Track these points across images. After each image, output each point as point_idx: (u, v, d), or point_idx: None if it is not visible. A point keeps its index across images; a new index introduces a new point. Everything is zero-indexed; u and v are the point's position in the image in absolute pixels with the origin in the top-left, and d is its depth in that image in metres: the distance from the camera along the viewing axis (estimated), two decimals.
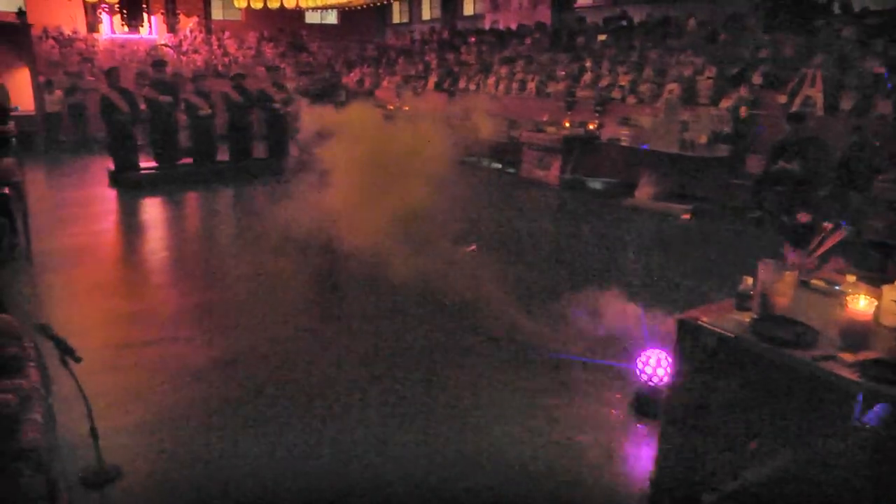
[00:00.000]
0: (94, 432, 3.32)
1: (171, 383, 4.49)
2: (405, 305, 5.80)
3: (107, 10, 18.69)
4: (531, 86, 13.87)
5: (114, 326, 5.55)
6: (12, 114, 14.18)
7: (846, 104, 8.88)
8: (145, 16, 18.23)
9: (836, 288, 3.12)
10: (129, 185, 11.08)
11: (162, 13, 19.27)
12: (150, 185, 11.09)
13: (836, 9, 11.57)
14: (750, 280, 2.98)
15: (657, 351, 4.12)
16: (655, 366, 4.07)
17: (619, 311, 5.17)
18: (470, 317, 5.49)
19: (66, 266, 7.11)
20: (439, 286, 5.99)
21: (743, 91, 9.78)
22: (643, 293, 5.79)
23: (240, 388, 4.44)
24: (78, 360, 3.21)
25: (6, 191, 6.92)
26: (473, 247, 7.35)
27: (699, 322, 2.85)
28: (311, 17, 23.69)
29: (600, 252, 7.51)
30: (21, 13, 17.07)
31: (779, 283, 2.85)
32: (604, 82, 12.44)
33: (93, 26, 19.07)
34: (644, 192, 9.94)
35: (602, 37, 14.86)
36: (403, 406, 4.18)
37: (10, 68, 16.60)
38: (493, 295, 5.82)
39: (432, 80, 16.78)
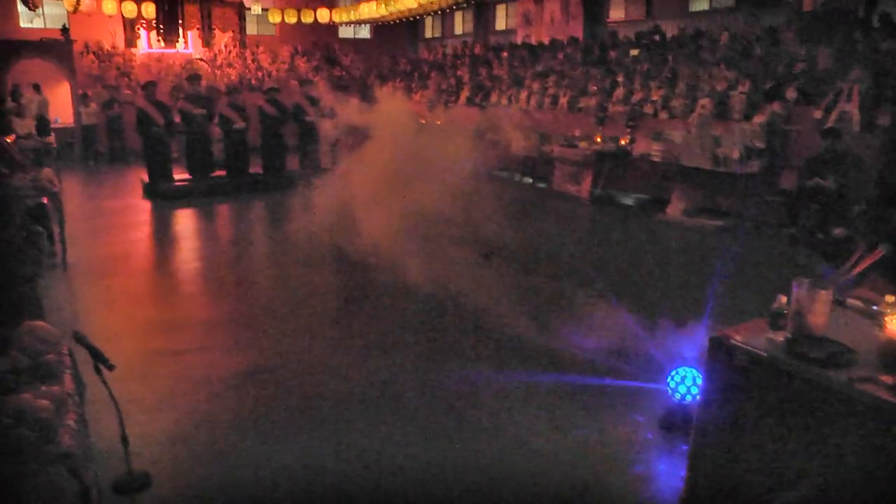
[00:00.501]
0: (124, 440, 3.36)
1: (201, 392, 4.54)
2: (433, 322, 5.79)
3: (145, 25, 19.20)
4: (563, 100, 13.87)
5: (146, 335, 5.62)
6: (53, 126, 14.60)
7: (883, 120, 8.73)
8: (181, 31, 18.67)
9: (874, 308, 3.06)
10: (163, 196, 11.26)
11: (197, 28, 19.67)
12: (184, 197, 11.25)
13: (875, 22, 11.40)
14: (784, 298, 2.93)
15: (688, 369, 4.07)
16: (686, 384, 4.02)
17: (650, 327, 5.12)
18: (497, 332, 5.47)
19: (101, 275, 7.24)
20: (468, 301, 5.98)
21: (777, 106, 9.66)
22: (674, 310, 5.72)
23: (270, 396, 4.47)
24: (111, 367, 3.26)
25: (44, 200, 7.09)
26: (492, 258, 7.32)
27: (732, 340, 2.81)
28: (345, 32, 23.92)
29: (631, 268, 7.45)
30: (65, 30, 17.70)
31: (814, 301, 2.80)
32: (636, 97, 12.39)
33: (131, 41, 19.55)
34: (676, 208, 9.86)
35: (634, 51, 14.84)
36: (428, 421, 4.16)
37: (52, 82, 17.07)
38: (522, 309, 5.80)
39: (464, 94, 16.86)
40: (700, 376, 3.87)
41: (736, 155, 9.29)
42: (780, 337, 2.79)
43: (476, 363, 4.96)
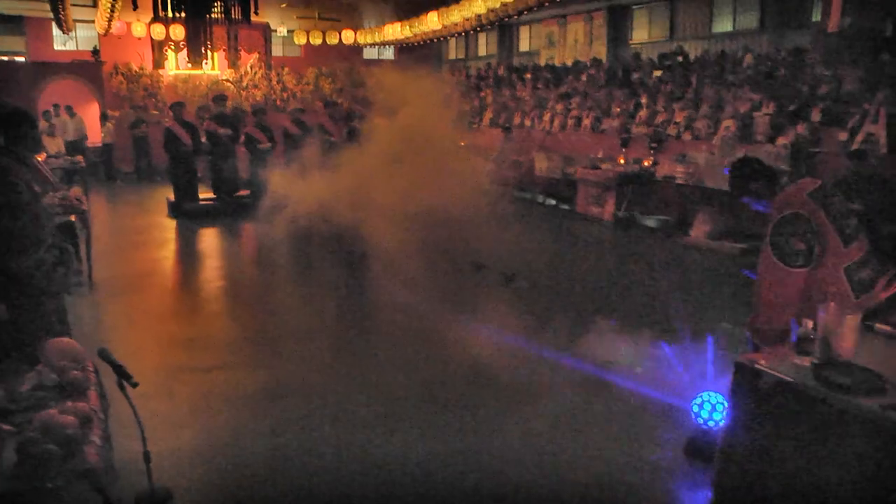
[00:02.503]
0: (146, 456, 3.38)
1: (223, 409, 4.56)
2: (459, 348, 5.76)
3: (172, 47, 19.57)
4: (586, 122, 13.87)
5: (169, 352, 5.67)
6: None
7: None
8: (208, 52, 18.95)
9: None
10: (188, 215, 11.40)
11: (224, 50, 19.92)
12: (208, 216, 11.38)
13: None
14: (811, 323, 2.90)
15: (713, 394, 4.02)
16: (711, 409, 3.97)
17: (672, 352, 5.07)
18: (520, 356, 5.44)
19: (126, 292, 7.33)
20: (490, 324, 5.96)
21: (801, 128, 9.60)
22: (698, 334, 5.67)
23: (292, 415, 4.48)
24: (134, 384, 3.28)
25: (72, 218, 7.20)
26: (514, 281, 7.31)
27: (757, 365, 2.78)
28: (369, 53, 24.21)
29: (654, 292, 7.38)
30: (96, 52, 18.16)
31: (842, 326, 2.77)
32: (659, 118, 12.37)
33: (159, 63, 19.90)
34: (699, 231, 9.79)
35: (658, 73, 14.83)
36: (458, 443, 4.15)
37: (83, 102, 17.50)
38: (542, 335, 5.77)
39: (488, 115, 16.93)
40: (724, 402, 3.83)
41: None
42: (806, 362, 2.76)
43: (499, 387, 4.93)
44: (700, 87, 12.69)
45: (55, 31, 18.66)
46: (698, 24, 16.58)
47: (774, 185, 3.62)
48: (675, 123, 11.92)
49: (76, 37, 19.54)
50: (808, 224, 3.27)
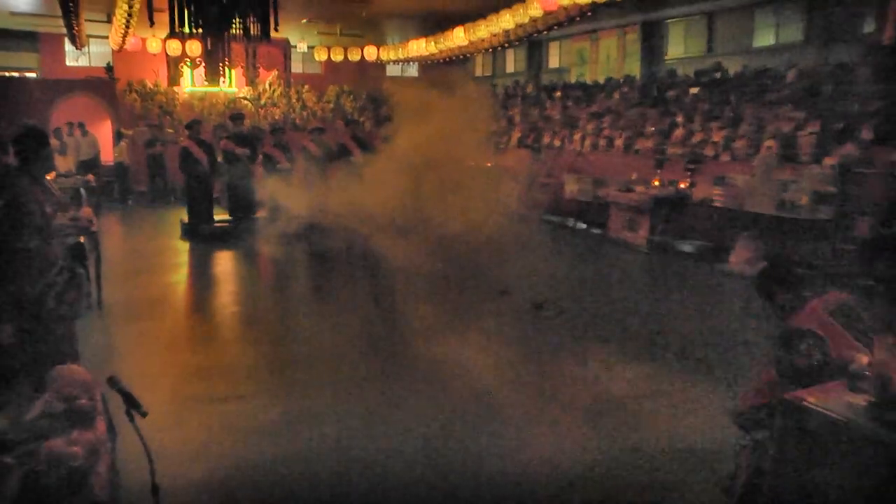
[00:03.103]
0: (154, 489, 3.36)
1: (237, 441, 4.55)
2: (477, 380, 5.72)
3: (189, 64, 19.83)
4: (619, 142, 13.85)
5: (181, 380, 5.69)
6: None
7: None
8: (225, 69, 19.20)
9: None
10: (203, 238, 11.49)
11: (242, 66, 20.21)
12: (224, 238, 11.47)
13: None
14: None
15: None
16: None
17: (709, 387, 5.00)
18: (547, 394, 5.38)
19: (137, 317, 7.39)
20: (515, 355, 5.91)
21: (850, 147, 9.47)
22: (739, 369, 5.58)
23: (310, 447, 4.46)
24: (144, 414, 3.28)
25: (81, 240, 7.28)
26: (543, 308, 7.25)
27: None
28: (392, 70, 24.42)
29: (690, 321, 7.29)
30: (109, 68, 18.45)
31: None
32: (696, 138, 12.30)
33: (174, 80, 20.17)
34: (739, 257, 9.66)
35: (694, 90, 14.78)
36: (473, 480, 4.09)
37: (96, 120, 17.81)
38: (573, 368, 5.71)
39: (515, 135, 16.96)
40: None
41: (804, 200, 9.12)
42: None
43: (528, 425, 4.88)
44: (739, 105, 12.63)
45: (67, 46, 18.97)
46: (738, 38, 16.51)
47: (801, 297, 3.47)
48: (713, 143, 11.84)
49: (89, 52, 19.85)
50: (822, 345, 3.12)
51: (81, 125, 16.63)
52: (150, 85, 19.94)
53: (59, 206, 6.20)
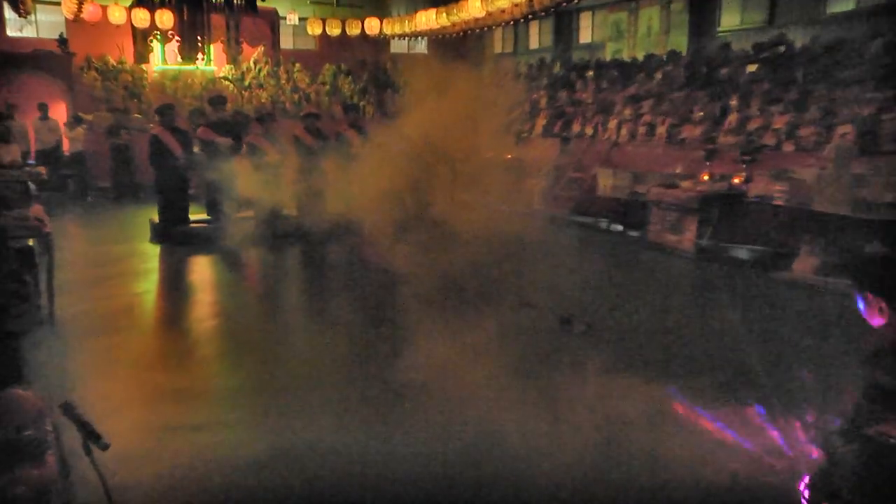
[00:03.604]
0: None
1: (215, 477, 4.52)
2: (496, 421, 5.65)
3: (159, 38, 19.67)
4: (661, 130, 13.79)
5: (150, 407, 5.66)
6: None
7: None
8: (203, 45, 19.20)
9: None
10: (177, 241, 11.49)
11: (222, 41, 20.18)
12: (202, 242, 11.47)
13: None
14: None
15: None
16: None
17: (780, 422, 4.92)
18: (588, 432, 5.31)
19: (97, 333, 7.37)
20: (536, 382, 5.84)
21: None
22: (810, 400, 5.50)
23: (299, 483, 4.44)
24: (104, 446, 3.25)
25: (30, 243, 7.23)
26: (572, 325, 7.19)
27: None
28: (397, 47, 24.44)
29: (748, 342, 7.20)
30: (62, 41, 18.06)
31: None
32: (753, 125, 12.22)
33: (142, 56, 20.05)
34: (805, 264, 9.59)
35: (752, 67, 14.68)
36: None
37: (48, 102, 17.41)
38: (607, 399, 5.63)
39: (540, 122, 16.93)
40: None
41: (887, 198, 9.02)
42: None
43: (548, 452, 4.82)
44: (807, 85, 12.51)
45: (8, 13, 18.20)
46: (806, 5, 16.31)
47: None
48: (774, 131, 11.76)
49: (36, 21, 19.24)
50: None
51: (43, 106, 16.51)
52: (112, 62, 19.89)
53: (2, 205, 6.21)
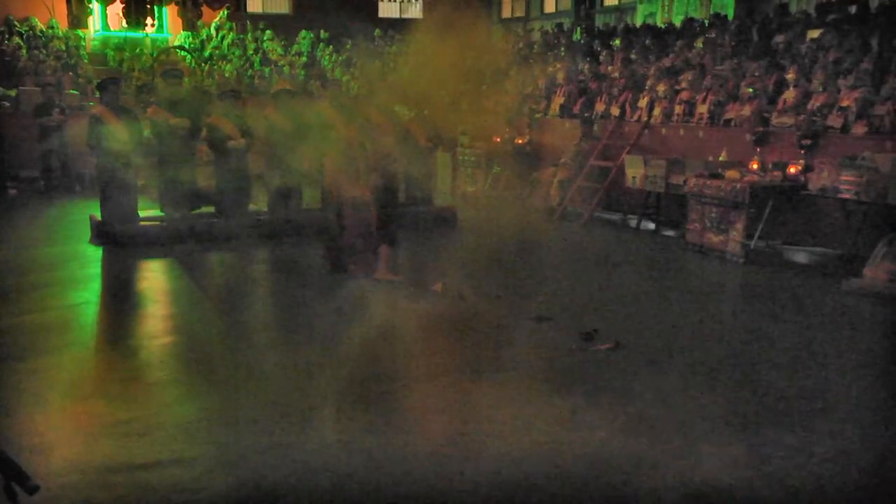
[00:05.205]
0: None
1: None
2: (503, 459, 5.66)
3: None
4: (702, 109, 13.79)
5: (92, 441, 5.63)
6: None
7: None
8: (153, 7, 19.00)
9: None
10: (123, 242, 11.46)
11: (176, 4, 20.06)
12: (153, 243, 11.45)
13: None
14: None
15: None
16: None
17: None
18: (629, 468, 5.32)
19: (28, 353, 7.34)
20: (551, 412, 5.84)
21: None
22: (883, 431, 5.51)
23: None
24: (33, 489, 3.23)
25: None
26: (595, 340, 7.19)
27: None
28: (387, 10, 24.46)
29: (810, 365, 7.18)
30: None
31: None
32: (815, 102, 12.20)
33: (78, 20, 19.64)
34: (879, 270, 9.58)
35: (814, 33, 14.65)
36: None
37: None
38: (636, 433, 5.64)
39: (557, 100, 16.94)
40: None
41: None
42: None
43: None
44: (884, 53, 12.45)
45: None
46: None
47: None
48: (842, 109, 11.73)
49: None
50: None
51: None
52: (41, 26, 19.79)
53: None
